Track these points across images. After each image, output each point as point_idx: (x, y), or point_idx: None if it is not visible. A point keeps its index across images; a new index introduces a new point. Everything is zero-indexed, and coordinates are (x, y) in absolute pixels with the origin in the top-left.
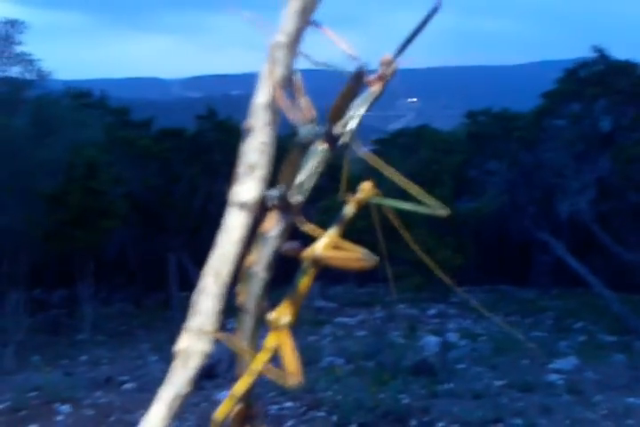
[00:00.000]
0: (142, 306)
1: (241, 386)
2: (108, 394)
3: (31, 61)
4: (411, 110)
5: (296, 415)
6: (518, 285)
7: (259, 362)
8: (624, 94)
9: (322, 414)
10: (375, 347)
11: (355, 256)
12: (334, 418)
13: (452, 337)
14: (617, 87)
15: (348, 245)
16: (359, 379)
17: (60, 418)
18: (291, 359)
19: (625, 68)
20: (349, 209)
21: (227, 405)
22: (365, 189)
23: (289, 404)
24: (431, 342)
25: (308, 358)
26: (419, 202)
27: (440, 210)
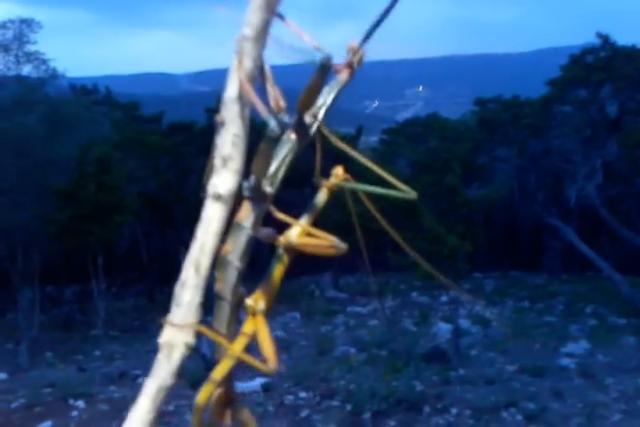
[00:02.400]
0: (155, 300)
1: (220, 370)
2: (122, 389)
3: (44, 60)
4: (419, 99)
5: (311, 405)
6: (529, 270)
7: (237, 347)
8: (630, 79)
9: (336, 403)
10: (388, 335)
11: (326, 243)
12: (349, 407)
13: (464, 324)
14: (623, 73)
15: (319, 232)
16: (372, 367)
17: (74, 414)
18: (267, 345)
19: (630, 53)
20: (322, 195)
21: (207, 389)
22: (337, 174)
23: (303, 394)
24: (443, 329)
25: (322, 347)
26: (390, 187)
27: (410, 193)
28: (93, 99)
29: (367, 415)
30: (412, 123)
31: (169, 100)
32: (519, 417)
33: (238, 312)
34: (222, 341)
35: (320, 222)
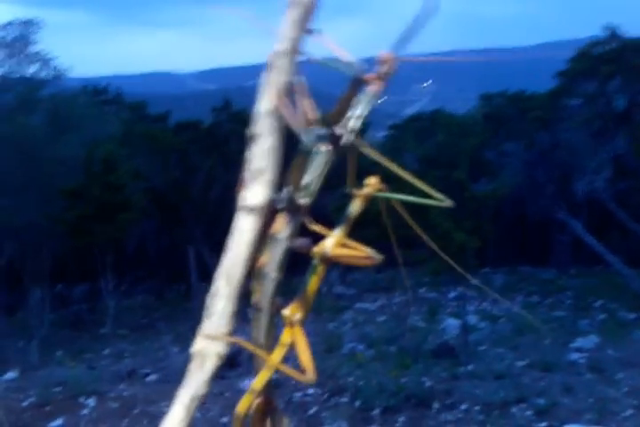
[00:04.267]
0: (163, 298)
1: (260, 381)
2: (132, 386)
3: (47, 60)
4: (425, 94)
5: (319, 402)
6: (538, 265)
7: (275, 357)
8: (638, 72)
9: (345, 399)
10: (396, 331)
11: (362, 254)
12: (357, 403)
13: (473, 319)
14: (631, 65)
15: (354, 243)
16: (381, 364)
17: (85, 412)
18: (305, 355)
19: (638, 45)
20: (356, 205)
21: (247, 399)
22: (371, 183)
23: (312, 390)
24: (452, 324)
25: (330, 344)
26: (424, 195)
27: (445, 202)
28: (101, 99)
29: (376, 412)
30: (418, 118)
31: (175, 99)
32: (529, 413)
33: (274, 323)
34: (260, 352)
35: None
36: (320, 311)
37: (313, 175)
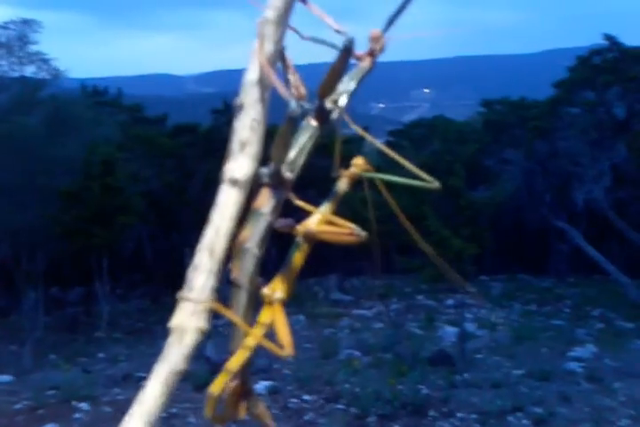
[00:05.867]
0: (159, 302)
1: (236, 361)
2: (127, 391)
3: (46, 60)
4: (425, 101)
5: (315, 408)
6: (536, 273)
7: (253, 337)
8: (638, 81)
9: (341, 406)
10: (393, 339)
11: (346, 231)
12: (353, 410)
13: (470, 327)
14: (630, 74)
15: (339, 220)
16: (377, 371)
17: (78, 416)
18: (284, 333)
19: (638, 54)
20: (342, 185)
21: (221, 379)
22: (358, 164)
23: (308, 397)
24: (449, 332)
25: (326, 350)
26: (412, 177)
27: (433, 184)
28: (100, 100)
29: (372, 419)
30: (417, 124)
31: (173, 102)
32: (526, 422)
33: (254, 302)
34: (240, 323)
35: None
36: (316, 318)
37: (298, 150)
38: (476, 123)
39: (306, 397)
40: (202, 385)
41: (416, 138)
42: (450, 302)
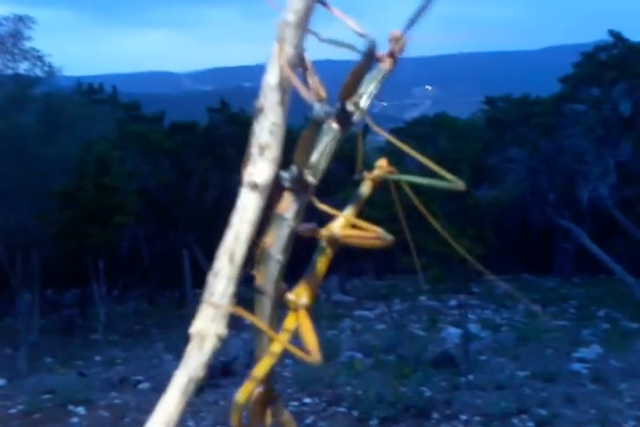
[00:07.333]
0: (156, 304)
1: (261, 368)
2: (123, 395)
3: (40, 57)
4: (427, 98)
5: (316, 411)
6: (540, 273)
7: (279, 343)
8: None
9: (342, 409)
10: (395, 340)
11: (371, 235)
12: (355, 413)
13: (474, 328)
14: (636, 70)
15: (364, 223)
16: (380, 373)
17: (74, 420)
18: (310, 339)
19: None
20: (365, 187)
21: (247, 387)
22: (381, 166)
23: (309, 400)
24: (452, 333)
25: (328, 352)
26: (436, 177)
27: (458, 184)
28: (95, 98)
29: (374, 422)
30: (419, 122)
31: (171, 99)
32: (530, 424)
33: (279, 308)
34: (266, 329)
35: None
36: (318, 319)
37: (320, 153)
38: (480, 120)
39: (307, 400)
40: (201, 388)
41: (418, 136)
42: (453, 302)
